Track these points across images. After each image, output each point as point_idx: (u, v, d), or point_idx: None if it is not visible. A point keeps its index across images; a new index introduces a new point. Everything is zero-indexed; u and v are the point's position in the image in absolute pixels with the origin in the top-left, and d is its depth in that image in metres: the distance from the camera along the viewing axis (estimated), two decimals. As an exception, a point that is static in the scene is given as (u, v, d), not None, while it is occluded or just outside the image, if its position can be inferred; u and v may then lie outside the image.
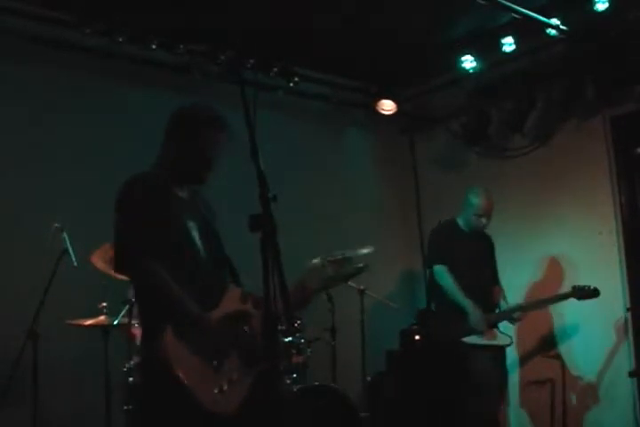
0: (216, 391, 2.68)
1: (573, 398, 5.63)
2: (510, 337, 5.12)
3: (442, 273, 5.12)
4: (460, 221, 5.32)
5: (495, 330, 5.09)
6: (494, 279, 5.38)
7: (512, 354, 5.74)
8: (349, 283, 5.30)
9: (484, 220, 5.18)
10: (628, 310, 5.48)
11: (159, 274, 2.72)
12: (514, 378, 5.99)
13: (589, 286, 5.07)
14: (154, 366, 2.71)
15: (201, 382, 2.65)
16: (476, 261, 5.26)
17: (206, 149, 3.00)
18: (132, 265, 2.76)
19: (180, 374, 2.60)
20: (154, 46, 5.19)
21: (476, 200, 5.16)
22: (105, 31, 4.95)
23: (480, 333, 4.97)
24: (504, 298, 5.29)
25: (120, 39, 5.03)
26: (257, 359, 2.84)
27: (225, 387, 2.71)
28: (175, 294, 2.73)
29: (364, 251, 4.72)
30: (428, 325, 5.47)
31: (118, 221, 2.82)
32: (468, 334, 4.98)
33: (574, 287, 5.11)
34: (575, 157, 5.83)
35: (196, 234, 2.96)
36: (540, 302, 5.33)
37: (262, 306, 2.83)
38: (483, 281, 5.24)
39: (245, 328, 2.91)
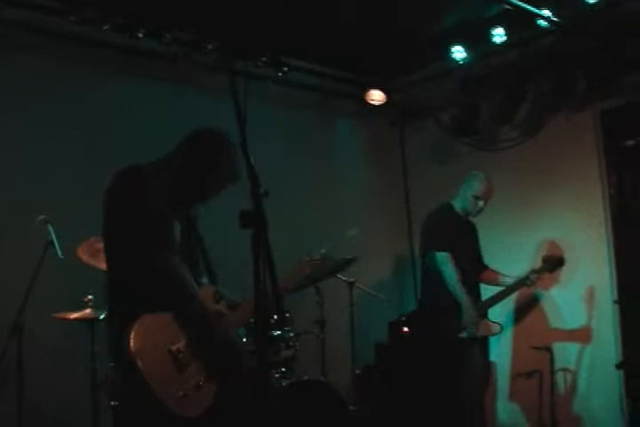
0: (180, 394, 2.64)
1: (561, 390, 5.64)
2: (500, 324, 5.07)
3: (445, 261, 5.00)
4: (457, 204, 5.25)
5: (485, 320, 5.04)
6: (481, 264, 5.40)
7: (501, 346, 5.75)
8: (338, 275, 5.29)
9: (481, 203, 5.15)
10: (615, 302, 5.49)
11: (171, 259, 2.74)
12: (503, 370, 6.01)
13: (554, 255, 5.23)
14: (121, 363, 2.69)
15: (164, 383, 2.61)
16: (470, 247, 5.27)
17: (217, 182, 2.99)
18: (146, 251, 2.71)
19: (144, 372, 2.56)
20: (140, 35, 5.11)
21: (477, 183, 5.15)
22: (90, 19, 4.86)
23: (472, 329, 4.92)
24: (501, 274, 5.31)
25: (106, 27, 4.95)
26: (224, 365, 2.83)
27: (190, 392, 2.68)
28: (187, 278, 2.76)
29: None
30: (419, 326, 5.42)
31: (123, 209, 2.76)
32: (461, 331, 4.93)
33: (544, 260, 5.22)
34: (565, 149, 5.82)
35: (176, 233, 2.93)
36: (514, 283, 5.22)
37: (235, 307, 2.85)
38: (475, 269, 5.24)
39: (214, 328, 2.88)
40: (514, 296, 5.64)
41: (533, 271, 5.13)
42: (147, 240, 2.71)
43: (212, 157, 2.97)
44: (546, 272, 5.19)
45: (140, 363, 2.56)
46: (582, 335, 5.62)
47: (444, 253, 5.02)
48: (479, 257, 5.41)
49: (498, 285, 5.25)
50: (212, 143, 2.99)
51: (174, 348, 2.70)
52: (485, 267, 5.41)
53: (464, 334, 4.94)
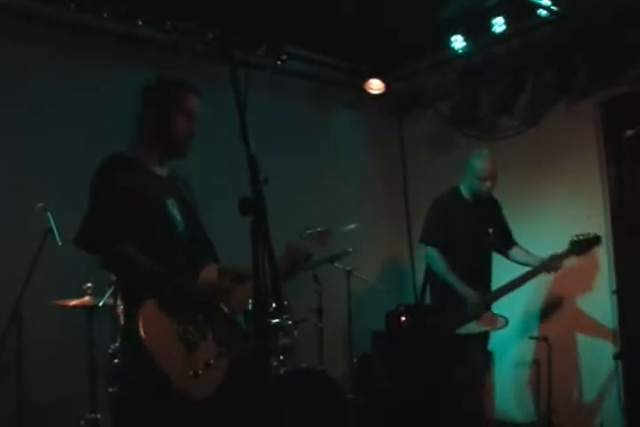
0: (190, 375, 2.65)
1: (558, 380, 5.66)
2: (504, 318, 4.92)
3: (433, 258, 4.96)
4: (463, 189, 5.10)
5: (488, 314, 4.90)
6: (506, 241, 5.21)
7: (499, 336, 5.76)
8: (335, 264, 5.30)
9: (487, 183, 4.96)
10: (613, 292, 5.50)
11: (125, 254, 2.71)
12: (500, 359, 6.02)
13: (586, 235, 4.90)
14: (130, 348, 2.70)
15: (174, 366, 2.61)
16: (476, 233, 5.02)
17: (182, 121, 2.99)
18: (98, 248, 2.74)
19: (154, 356, 2.57)
20: (140, 23, 5.10)
21: (479, 163, 4.94)
22: (90, 6, 4.85)
23: (477, 317, 4.82)
24: (528, 253, 5.11)
25: (105, 15, 4.93)
26: (232, 340, 2.84)
27: (200, 371, 2.68)
28: (147, 268, 2.73)
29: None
30: (419, 320, 5.36)
31: (91, 201, 2.79)
32: (466, 322, 4.81)
33: (572, 242, 4.90)
34: (564, 139, 5.82)
35: (175, 211, 2.95)
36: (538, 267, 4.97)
37: (242, 282, 2.83)
38: (480, 257, 5.06)
39: (222, 306, 2.90)
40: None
41: (553, 257, 4.88)
42: (103, 226, 2.72)
43: (162, 105, 2.99)
44: (572, 255, 4.91)
45: (147, 344, 2.57)
46: (584, 324, 5.64)
47: (433, 250, 4.97)
48: (503, 235, 5.21)
49: (523, 264, 5.06)
50: (158, 95, 3.02)
51: (182, 329, 2.71)
52: (512, 244, 5.22)
53: (464, 331, 4.81)
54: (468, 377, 4.85)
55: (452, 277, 4.86)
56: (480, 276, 5.02)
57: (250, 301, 3.01)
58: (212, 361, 2.74)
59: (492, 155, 5.06)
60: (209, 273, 2.90)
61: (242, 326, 2.98)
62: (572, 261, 5.05)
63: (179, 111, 2.99)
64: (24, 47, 4.80)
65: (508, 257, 5.25)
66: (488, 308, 4.93)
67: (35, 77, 4.82)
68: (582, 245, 4.92)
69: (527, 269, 5.02)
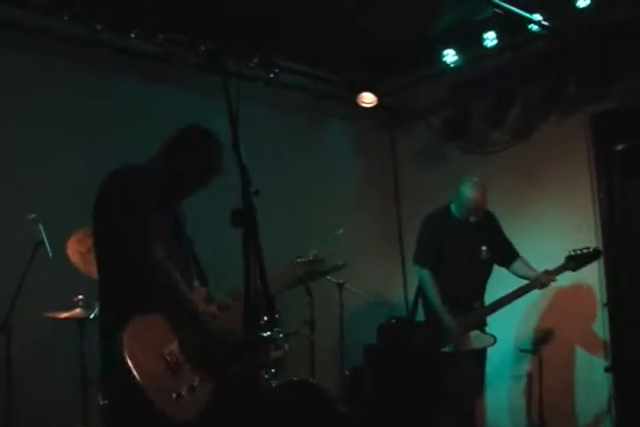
0: (174, 397, 2.63)
1: (550, 393, 5.65)
2: (493, 336, 4.95)
3: (425, 279, 5.01)
4: (453, 209, 5.12)
5: (475, 333, 4.92)
6: (507, 254, 5.17)
7: (491, 349, 5.75)
8: (328, 277, 5.30)
9: (472, 216, 5.01)
10: (604, 305, 5.52)
11: (166, 262, 2.73)
12: (492, 372, 6.01)
13: (585, 249, 4.81)
14: (114, 366, 2.64)
15: (157, 387, 2.59)
16: (468, 251, 5.04)
17: (209, 176, 3.04)
18: (144, 251, 2.71)
19: (137, 377, 2.54)
20: (133, 35, 5.11)
21: (468, 192, 4.94)
22: (83, 19, 4.86)
23: (453, 346, 4.86)
24: (528, 266, 5.06)
25: (99, 27, 4.94)
26: (217, 364, 2.83)
27: (183, 393, 2.66)
28: (179, 281, 2.75)
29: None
30: (407, 334, 5.38)
31: (118, 208, 2.76)
32: (445, 345, 4.89)
33: (569, 257, 4.81)
34: (555, 153, 5.85)
35: (169, 235, 2.96)
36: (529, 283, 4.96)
37: (227, 308, 2.84)
38: (474, 274, 5.07)
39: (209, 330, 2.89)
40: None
41: (546, 272, 4.86)
42: (139, 238, 2.70)
43: (193, 156, 3.00)
44: (566, 271, 4.84)
45: (132, 366, 2.55)
46: (575, 337, 5.65)
47: (424, 272, 5.02)
48: (502, 248, 5.18)
49: (523, 278, 5.03)
50: (193, 143, 3.03)
51: (167, 350, 2.69)
52: (514, 257, 5.17)
53: (447, 349, 4.88)
54: (459, 392, 4.86)
55: (437, 302, 4.91)
56: (472, 294, 5.05)
57: (233, 326, 3.01)
58: (195, 384, 2.73)
59: (482, 180, 5.05)
60: (197, 298, 2.91)
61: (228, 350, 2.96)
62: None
63: (212, 167, 3.03)
64: (18, 57, 4.80)
65: (509, 270, 5.22)
66: (477, 326, 4.96)
67: (30, 88, 4.82)
68: (579, 260, 4.84)
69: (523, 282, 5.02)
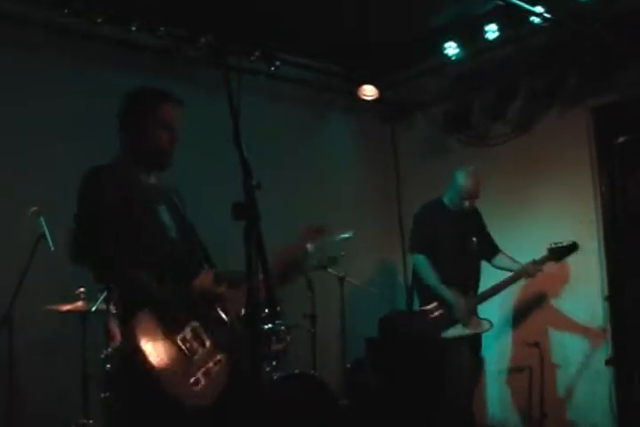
0: (191, 382, 2.63)
1: (551, 386, 5.67)
2: (490, 322, 5.08)
3: (422, 264, 5.06)
4: (446, 200, 5.23)
5: (475, 317, 5.05)
6: (490, 249, 5.35)
7: (492, 342, 5.77)
8: (329, 270, 5.31)
9: (467, 203, 5.11)
10: (606, 298, 5.52)
11: (140, 280, 2.71)
12: (493, 365, 6.04)
13: (563, 242, 5.10)
14: (127, 355, 2.66)
15: (173, 374, 2.59)
16: (461, 241, 5.16)
17: (158, 133, 2.98)
18: (114, 277, 2.75)
19: (153, 364, 2.55)
20: (133, 28, 5.10)
21: (462, 182, 5.06)
22: (83, 11, 4.85)
23: (464, 323, 4.93)
24: (512, 259, 5.26)
25: (99, 20, 4.93)
26: (232, 346, 2.82)
27: (200, 378, 2.66)
28: (156, 297, 2.72)
29: (346, 235, 4.72)
30: (406, 323, 5.41)
31: (88, 221, 2.73)
32: (450, 326, 4.93)
33: (550, 249, 5.10)
34: (556, 146, 5.84)
35: (167, 218, 2.96)
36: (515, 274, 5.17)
37: (238, 285, 2.83)
38: (467, 263, 5.17)
39: (219, 312, 2.88)
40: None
41: (533, 262, 5.07)
42: (110, 252, 2.67)
43: (138, 116, 2.99)
44: (550, 262, 5.11)
45: (146, 356, 2.56)
46: (576, 330, 5.66)
47: (421, 257, 5.07)
48: (486, 243, 5.35)
49: (507, 270, 5.21)
50: (135, 106, 3.02)
51: (179, 337, 2.70)
52: (497, 252, 5.37)
53: (450, 334, 4.93)
54: (458, 379, 4.89)
55: (436, 282, 4.97)
56: (467, 283, 5.12)
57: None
58: (211, 368, 2.73)
59: (477, 170, 5.17)
60: (204, 279, 2.88)
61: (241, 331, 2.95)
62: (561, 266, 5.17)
63: (154, 122, 2.98)
64: (14, 51, 4.79)
65: (492, 264, 5.38)
66: (473, 312, 5.02)
67: (27, 83, 4.82)
68: (560, 252, 5.12)
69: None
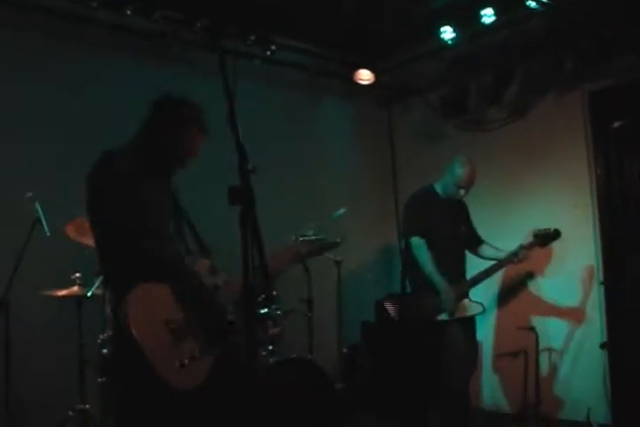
0: (177, 365, 2.67)
1: (546, 370, 5.70)
2: (482, 304, 5.06)
3: (419, 246, 5.03)
4: (438, 188, 5.23)
5: (465, 301, 5.02)
6: (475, 240, 5.38)
7: (487, 326, 5.79)
8: (326, 254, 5.31)
9: (462, 191, 5.12)
10: (601, 283, 5.53)
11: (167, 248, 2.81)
12: (488, 349, 6.07)
13: (549, 229, 5.15)
14: (121, 337, 2.69)
15: (161, 355, 2.63)
16: (452, 228, 5.18)
17: (188, 147, 3.03)
18: (143, 248, 2.78)
19: (140, 343, 2.58)
20: (128, 12, 5.07)
21: (460, 171, 5.05)
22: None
23: (451, 311, 4.96)
24: (495, 248, 5.29)
25: (94, 4, 4.90)
26: (219, 337, 2.86)
27: (186, 362, 2.70)
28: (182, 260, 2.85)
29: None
30: (400, 306, 5.42)
31: (105, 199, 2.78)
32: (440, 312, 4.94)
33: (535, 235, 5.17)
34: (553, 130, 5.84)
35: (167, 210, 3.00)
36: (506, 257, 5.16)
37: (231, 283, 2.85)
38: (457, 250, 5.20)
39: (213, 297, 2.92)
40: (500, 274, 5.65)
41: (521, 247, 5.09)
42: (136, 228, 2.75)
43: (174, 124, 3.00)
44: (537, 247, 5.15)
45: (135, 332, 2.58)
46: (570, 315, 5.68)
47: (418, 239, 5.05)
48: (471, 233, 5.38)
49: (492, 259, 5.23)
50: (174, 114, 3.02)
51: (171, 318, 2.72)
52: (481, 242, 5.39)
53: (444, 316, 4.94)
54: (453, 363, 4.91)
55: (432, 269, 4.95)
56: (457, 269, 5.13)
57: (237, 297, 3.03)
58: (197, 354, 2.76)
59: (473, 158, 5.14)
60: (200, 268, 2.94)
61: (230, 320, 2.97)
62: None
63: (202, 133, 3.03)
64: (9, 35, 4.76)
65: (476, 254, 5.38)
66: (465, 296, 5.04)
67: (23, 67, 4.79)
68: (545, 238, 5.17)
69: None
